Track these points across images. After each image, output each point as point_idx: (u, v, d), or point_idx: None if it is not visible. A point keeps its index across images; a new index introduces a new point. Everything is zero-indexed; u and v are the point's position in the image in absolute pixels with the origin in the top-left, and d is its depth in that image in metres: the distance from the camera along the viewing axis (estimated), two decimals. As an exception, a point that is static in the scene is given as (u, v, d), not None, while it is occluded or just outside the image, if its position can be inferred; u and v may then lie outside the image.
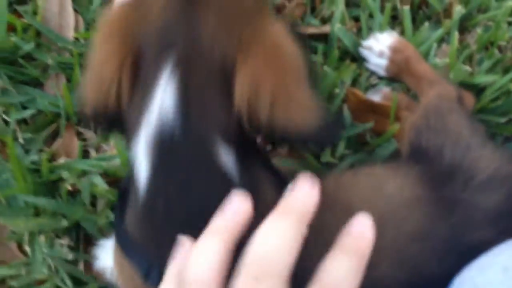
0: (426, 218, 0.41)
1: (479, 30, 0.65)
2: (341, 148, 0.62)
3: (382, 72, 0.65)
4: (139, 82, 0.37)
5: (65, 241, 0.59)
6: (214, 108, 0.36)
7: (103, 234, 0.60)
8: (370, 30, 0.68)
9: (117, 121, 0.39)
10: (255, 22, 0.37)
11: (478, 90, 0.63)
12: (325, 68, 0.65)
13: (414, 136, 0.50)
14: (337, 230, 0.31)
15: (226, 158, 0.36)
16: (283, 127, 0.36)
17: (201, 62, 0.35)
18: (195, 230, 0.31)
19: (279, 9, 0.72)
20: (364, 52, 0.66)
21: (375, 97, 0.64)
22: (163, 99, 0.35)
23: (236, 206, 0.31)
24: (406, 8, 0.67)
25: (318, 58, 0.66)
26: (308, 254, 0.29)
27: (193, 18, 0.36)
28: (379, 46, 0.64)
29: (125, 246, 0.40)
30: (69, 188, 0.61)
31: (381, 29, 0.67)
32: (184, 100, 0.35)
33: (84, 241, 0.61)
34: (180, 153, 0.35)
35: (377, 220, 0.33)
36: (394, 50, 0.63)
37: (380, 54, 0.64)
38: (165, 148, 0.35)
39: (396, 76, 0.65)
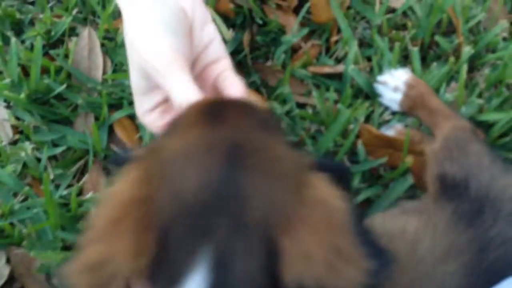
0: (462, 268, 0.42)
1: (487, 70, 0.68)
2: (356, 181, 0.64)
3: (396, 107, 0.68)
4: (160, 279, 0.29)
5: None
6: None
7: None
8: (381, 69, 0.71)
9: None
10: (297, 185, 0.31)
11: (487, 128, 0.65)
12: (339, 105, 0.68)
13: (439, 169, 0.52)
14: None
15: None
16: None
17: (241, 245, 0.28)
18: None
19: (295, 50, 0.76)
20: (379, 87, 0.69)
21: (389, 132, 0.67)
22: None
23: None
24: (415, 49, 0.71)
25: (332, 95, 0.69)
26: None
27: (239, 195, 0.29)
28: (394, 81, 0.67)
29: None
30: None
31: (392, 67, 0.70)
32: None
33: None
34: None
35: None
36: (409, 85, 0.66)
37: (395, 89, 0.67)
38: None
39: (410, 110, 0.67)
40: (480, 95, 0.68)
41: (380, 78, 0.69)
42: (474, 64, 0.71)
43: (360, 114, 0.68)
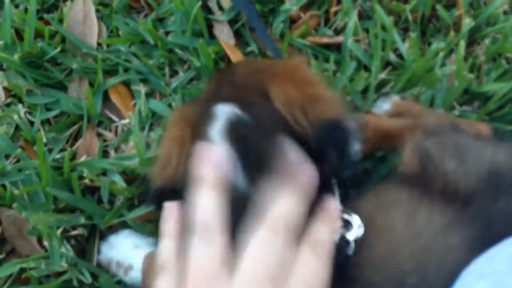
0: (465, 242, 0.41)
1: (487, 42, 0.67)
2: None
3: (357, 157, 0.60)
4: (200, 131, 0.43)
5: (79, 231, 0.61)
6: (266, 112, 0.43)
7: (114, 230, 0.63)
8: (384, 42, 0.70)
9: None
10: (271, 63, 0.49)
11: (486, 99, 0.65)
12: (339, 76, 0.67)
13: (425, 154, 0.48)
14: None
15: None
16: (318, 122, 0.41)
17: (244, 94, 0.44)
18: None
19: (294, 21, 0.76)
20: None
21: (385, 105, 0.66)
22: (224, 111, 0.42)
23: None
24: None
25: (331, 66, 0.68)
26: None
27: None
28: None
29: None
30: (88, 183, 0.63)
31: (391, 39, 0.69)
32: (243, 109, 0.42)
33: (99, 237, 0.63)
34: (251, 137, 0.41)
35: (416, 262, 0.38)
36: (361, 127, 0.61)
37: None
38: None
39: (371, 150, 0.63)
40: (478, 68, 0.67)
41: None
42: (474, 38, 0.71)
43: (359, 85, 0.67)
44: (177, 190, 0.42)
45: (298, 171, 0.38)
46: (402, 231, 0.43)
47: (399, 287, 0.40)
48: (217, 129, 0.41)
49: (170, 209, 0.39)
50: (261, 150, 0.39)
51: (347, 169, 0.46)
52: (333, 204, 0.40)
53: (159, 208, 0.46)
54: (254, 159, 0.39)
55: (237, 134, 0.40)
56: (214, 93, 0.47)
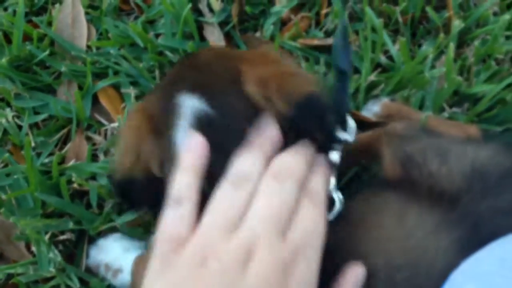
0: (455, 243, 0.41)
1: (476, 43, 0.67)
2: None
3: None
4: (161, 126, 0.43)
5: (67, 236, 0.61)
6: (235, 101, 0.41)
7: (103, 235, 0.62)
8: (374, 44, 0.70)
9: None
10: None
11: (476, 101, 0.65)
12: (329, 78, 0.67)
13: (406, 158, 0.47)
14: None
15: None
16: (296, 99, 0.40)
17: (212, 83, 0.42)
18: None
19: (284, 23, 0.75)
20: None
21: (375, 107, 0.66)
22: (190, 104, 0.41)
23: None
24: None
25: (322, 68, 0.68)
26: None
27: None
28: None
29: None
30: (77, 188, 0.63)
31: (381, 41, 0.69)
32: (208, 99, 0.41)
33: (88, 242, 0.63)
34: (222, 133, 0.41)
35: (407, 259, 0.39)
36: None
37: None
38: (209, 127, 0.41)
39: (346, 168, 0.61)
40: (468, 70, 0.67)
41: None
42: (464, 39, 0.71)
43: (349, 87, 0.67)
44: (136, 182, 0.43)
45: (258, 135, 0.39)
46: (393, 231, 0.43)
47: (390, 280, 0.40)
48: (182, 132, 0.41)
49: (199, 143, 0.39)
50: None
51: (330, 141, 0.44)
52: (325, 158, 0.41)
53: (125, 202, 0.48)
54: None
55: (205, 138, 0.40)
56: (176, 79, 0.45)
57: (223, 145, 0.39)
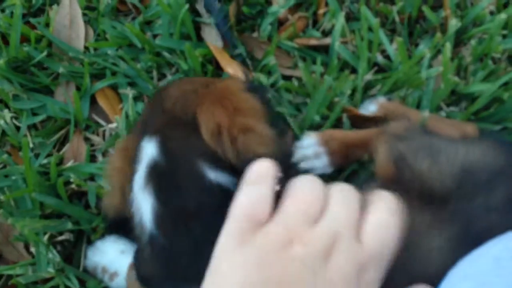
0: (448, 242, 0.42)
1: (473, 42, 0.67)
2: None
3: (328, 169, 0.62)
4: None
5: (65, 236, 0.61)
6: (188, 142, 0.44)
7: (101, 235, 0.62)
8: (371, 43, 0.70)
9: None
10: (207, 83, 0.49)
11: (473, 100, 0.65)
12: (326, 77, 0.67)
13: (398, 157, 0.48)
14: None
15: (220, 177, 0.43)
16: (245, 157, 0.41)
17: (171, 126, 0.46)
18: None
19: (282, 23, 0.76)
20: (305, 165, 0.61)
21: (371, 106, 0.66)
22: (147, 149, 0.45)
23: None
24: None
25: (318, 68, 0.68)
26: None
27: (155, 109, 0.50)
28: (310, 150, 0.61)
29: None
30: (75, 188, 0.63)
31: (378, 40, 0.70)
32: (163, 143, 0.44)
33: (87, 242, 0.63)
34: (170, 178, 0.43)
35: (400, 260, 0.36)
36: (324, 143, 0.61)
37: (317, 155, 0.61)
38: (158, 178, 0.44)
39: (343, 161, 0.62)
40: (465, 69, 0.68)
41: (297, 157, 0.61)
42: (460, 38, 0.71)
43: (346, 87, 0.67)
44: (127, 219, 0.45)
45: None
46: None
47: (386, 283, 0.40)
48: (141, 176, 0.44)
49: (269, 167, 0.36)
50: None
51: None
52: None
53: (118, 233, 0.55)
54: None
55: (156, 183, 0.43)
56: (146, 122, 0.49)
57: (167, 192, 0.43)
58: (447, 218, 0.43)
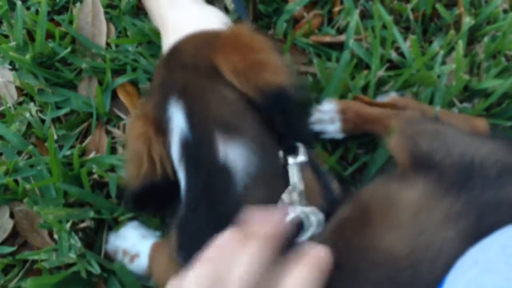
0: (460, 234, 0.42)
1: (486, 40, 0.68)
2: (353, 148, 0.66)
3: (339, 135, 0.65)
4: (164, 131, 0.45)
5: (87, 223, 0.64)
6: (210, 107, 0.44)
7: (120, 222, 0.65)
8: (385, 40, 0.71)
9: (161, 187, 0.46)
10: (217, 33, 0.50)
11: (486, 96, 0.66)
12: (337, 68, 0.69)
13: (412, 143, 0.50)
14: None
15: (232, 152, 0.42)
16: (268, 91, 0.43)
17: (192, 78, 0.46)
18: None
19: (297, 20, 0.77)
20: (317, 127, 0.65)
21: (384, 99, 0.67)
22: (177, 120, 0.44)
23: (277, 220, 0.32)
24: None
25: (333, 65, 0.70)
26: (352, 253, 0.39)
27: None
28: (327, 115, 0.65)
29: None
30: (97, 179, 0.65)
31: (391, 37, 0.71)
32: (189, 112, 0.44)
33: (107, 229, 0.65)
34: (195, 155, 0.43)
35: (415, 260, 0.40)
36: (342, 111, 0.64)
37: (331, 121, 0.65)
38: (187, 157, 0.43)
39: (354, 130, 0.65)
40: (478, 65, 0.68)
41: (313, 118, 0.66)
42: (474, 36, 0.72)
43: (359, 82, 0.69)
44: (157, 187, 0.45)
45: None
46: (406, 228, 0.44)
47: (391, 283, 0.41)
48: (176, 151, 0.44)
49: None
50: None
51: (298, 135, 0.46)
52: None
53: (141, 210, 0.53)
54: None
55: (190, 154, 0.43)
56: (166, 80, 0.48)
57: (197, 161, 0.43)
58: (460, 211, 0.44)
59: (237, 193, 0.40)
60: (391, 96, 0.66)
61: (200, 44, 0.49)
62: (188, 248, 0.43)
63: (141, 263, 0.59)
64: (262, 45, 0.48)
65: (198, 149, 0.42)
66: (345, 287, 0.41)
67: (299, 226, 0.35)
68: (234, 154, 0.41)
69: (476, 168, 0.45)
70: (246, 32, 0.49)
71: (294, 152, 0.43)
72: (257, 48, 0.47)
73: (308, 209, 0.37)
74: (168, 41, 0.54)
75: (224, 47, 0.47)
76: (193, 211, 0.42)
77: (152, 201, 0.48)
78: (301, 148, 0.44)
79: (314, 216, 0.36)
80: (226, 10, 0.78)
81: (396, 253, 0.42)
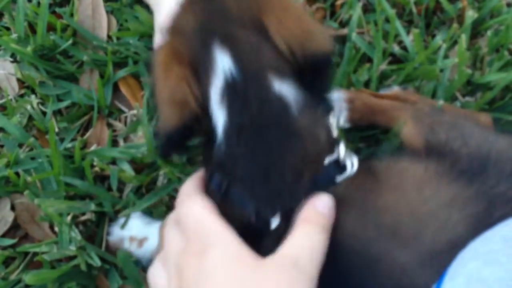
0: (467, 218, 0.42)
1: (489, 33, 0.68)
2: (356, 142, 0.66)
3: (346, 125, 0.66)
4: (201, 74, 0.45)
5: (88, 216, 0.64)
6: (259, 53, 0.44)
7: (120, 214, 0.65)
8: (388, 34, 0.71)
9: (195, 131, 0.47)
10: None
11: (489, 90, 0.66)
12: (343, 67, 0.69)
13: (429, 131, 0.52)
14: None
15: (284, 88, 0.44)
16: (317, 57, 0.46)
17: (238, 29, 0.45)
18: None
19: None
20: None
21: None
22: (222, 62, 0.44)
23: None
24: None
25: (336, 58, 0.70)
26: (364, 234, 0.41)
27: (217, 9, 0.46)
28: (336, 103, 0.65)
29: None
30: (98, 171, 0.65)
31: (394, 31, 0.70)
32: (236, 56, 0.44)
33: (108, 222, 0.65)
34: (243, 94, 0.44)
35: (418, 222, 0.41)
36: (350, 100, 0.65)
37: (340, 110, 0.65)
38: (232, 95, 0.44)
39: (361, 120, 0.65)
40: (481, 59, 0.68)
41: None
42: (477, 30, 0.72)
43: (362, 77, 0.69)
44: (192, 128, 0.46)
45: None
46: (410, 193, 0.45)
47: (391, 235, 0.42)
48: (217, 92, 0.44)
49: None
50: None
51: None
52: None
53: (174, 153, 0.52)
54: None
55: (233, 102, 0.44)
56: (205, 25, 0.46)
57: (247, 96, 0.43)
58: (471, 196, 0.44)
59: (293, 115, 0.43)
60: (394, 90, 0.66)
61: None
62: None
63: (150, 246, 0.59)
64: (305, 13, 0.51)
65: (249, 86, 0.43)
66: (350, 225, 0.43)
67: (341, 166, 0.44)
68: (286, 90, 0.44)
69: (492, 161, 0.46)
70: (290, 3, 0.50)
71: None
72: (306, 16, 0.49)
73: (347, 151, 0.45)
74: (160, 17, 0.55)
75: (275, 9, 0.46)
76: (237, 141, 0.44)
77: (184, 143, 0.49)
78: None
79: (352, 158, 0.45)
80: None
81: (399, 209, 0.43)
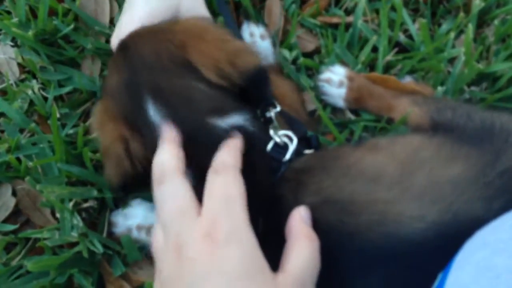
0: (469, 167, 0.43)
1: (496, 23, 0.67)
2: (358, 132, 0.65)
3: (341, 103, 0.66)
4: (142, 128, 0.46)
5: (90, 203, 0.63)
6: (191, 101, 0.45)
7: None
8: (393, 23, 0.70)
9: (143, 177, 0.47)
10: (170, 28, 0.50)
11: (495, 79, 0.65)
12: (347, 54, 0.68)
13: (436, 111, 0.53)
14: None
15: (229, 121, 0.45)
16: (249, 72, 0.47)
17: (163, 78, 0.46)
18: None
19: (305, 1, 0.76)
20: (324, 86, 0.66)
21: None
22: (156, 117, 0.45)
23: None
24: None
25: (340, 44, 0.69)
26: (342, 186, 0.42)
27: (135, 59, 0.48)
28: (338, 76, 0.66)
29: None
30: (100, 158, 0.65)
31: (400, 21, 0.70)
32: (169, 108, 0.45)
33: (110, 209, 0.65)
34: (188, 144, 0.44)
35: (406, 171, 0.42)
36: (350, 78, 0.65)
37: (340, 84, 0.65)
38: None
39: (356, 102, 0.66)
40: (488, 49, 0.67)
41: (322, 76, 0.67)
42: (484, 19, 0.71)
43: (366, 63, 0.68)
44: (140, 178, 0.47)
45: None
46: (401, 154, 0.46)
47: (372, 182, 0.43)
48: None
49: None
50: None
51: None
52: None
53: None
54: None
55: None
56: (129, 81, 0.47)
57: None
58: (474, 156, 0.45)
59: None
60: (408, 81, 0.66)
61: (156, 42, 0.49)
62: None
63: None
64: (226, 34, 0.50)
65: (192, 137, 0.44)
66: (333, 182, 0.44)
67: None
68: (232, 121, 0.45)
69: (497, 129, 0.47)
70: (205, 24, 0.51)
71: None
72: (224, 39, 0.49)
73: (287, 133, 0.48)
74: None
75: (193, 42, 0.47)
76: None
77: (138, 186, 0.51)
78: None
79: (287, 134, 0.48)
80: None
81: (385, 164, 0.44)
